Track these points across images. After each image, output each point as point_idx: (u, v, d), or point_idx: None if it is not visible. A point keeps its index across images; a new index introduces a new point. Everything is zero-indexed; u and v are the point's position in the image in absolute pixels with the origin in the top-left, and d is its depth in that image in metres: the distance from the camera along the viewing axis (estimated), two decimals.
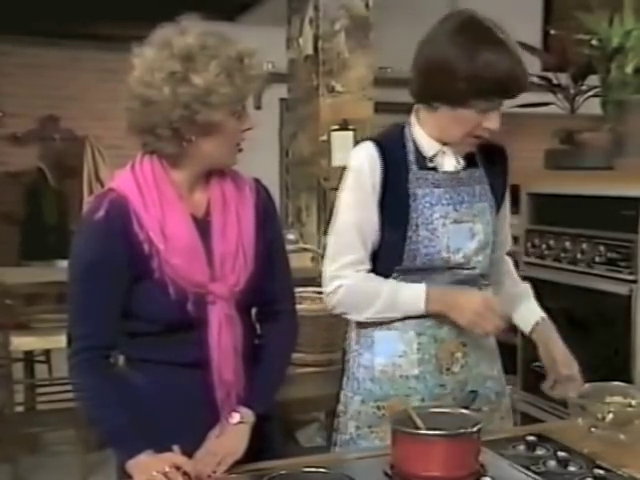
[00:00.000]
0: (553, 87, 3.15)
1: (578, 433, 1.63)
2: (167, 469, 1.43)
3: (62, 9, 5.81)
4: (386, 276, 1.76)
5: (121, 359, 1.66)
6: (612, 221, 2.91)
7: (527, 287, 1.97)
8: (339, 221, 1.78)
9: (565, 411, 1.83)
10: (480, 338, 1.79)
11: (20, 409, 4.05)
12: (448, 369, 1.77)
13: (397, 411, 1.55)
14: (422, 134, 1.77)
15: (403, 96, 5.82)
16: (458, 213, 1.76)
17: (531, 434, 1.60)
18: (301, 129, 4.50)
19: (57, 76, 7.17)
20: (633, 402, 1.64)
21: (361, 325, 1.83)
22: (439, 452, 1.37)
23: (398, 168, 1.74)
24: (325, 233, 4.21)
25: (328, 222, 4.52)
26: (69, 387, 3.42)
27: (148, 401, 1.59)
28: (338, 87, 4.25)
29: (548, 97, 3.15)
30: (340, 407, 1.85)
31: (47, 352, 4.34)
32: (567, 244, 2.92)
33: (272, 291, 1.69)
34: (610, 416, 1.60)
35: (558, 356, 1.82)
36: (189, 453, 1.51)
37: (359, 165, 1.75)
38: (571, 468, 1.47)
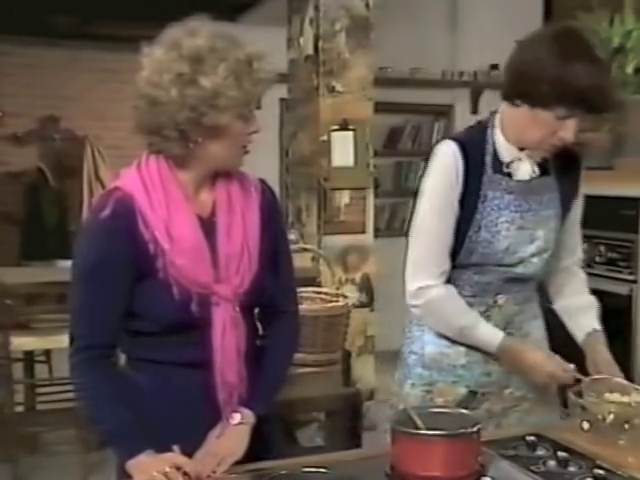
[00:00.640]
0: None
1: (578, 433, 1.63)
2: (167, 469, 1.43)
3: (62, 9, 5.81)
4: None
5: (123, 358, 1.66)
6: (612, 221, 2.91)
7: (591, 300, 1.98)
8: (423, 227, 1.84)
9: (565, 411, 1.83)
10: (526, 327, 1.89)
11: (20, 409, 4.04)
12: (495, 359, 1.84)
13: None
14: (502, 139, 1.82)
15: (403, 96, 5.83)
16: (523, 220, 1.82)
17: (531, 434, 1.60)
18: (301, 129, 4.50)
19: (57, 76, 7.18)
20: (633, 403, 1.64)
21: (414, 315, 1.92)
22: (439, 452, 1.37)
23: (476, 169, 1.79)
24: (325, 233, 4.24)
25: (328, 222, 4.52)
26: (69, 387, 3.44)
27: (149, 401, 1.59)
28: (338, 87, 4.25)
29: None
30: (395, 388, 1.97)
31: (47, 352, 4.34)
32: None
33: (275, 292, 1.69)
34: (611, 417, 1.59)
35: (600, 364, 1.84)
36: (189, 453, 1.51)
37: (445, 169, 1.79)
38: (571, 468, 1.47)
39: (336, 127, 4.23)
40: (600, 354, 1.87)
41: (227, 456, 1.53)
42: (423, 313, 1.86)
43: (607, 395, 1.66)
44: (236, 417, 1.60)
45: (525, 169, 1.81)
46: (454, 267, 1.83)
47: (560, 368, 1.75)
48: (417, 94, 5.99)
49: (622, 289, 3.35)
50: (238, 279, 1.59)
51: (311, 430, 3.63)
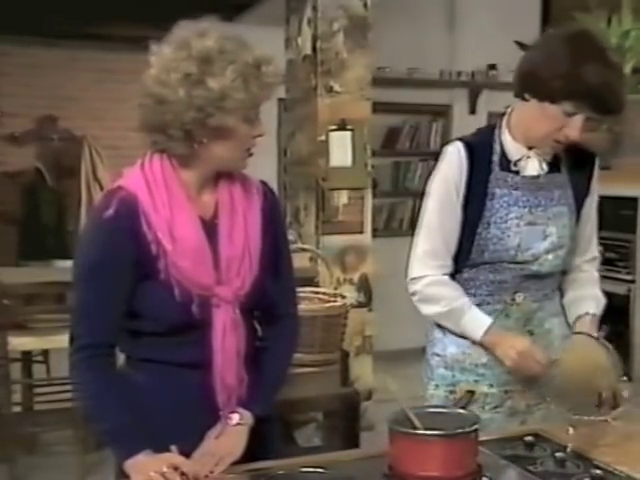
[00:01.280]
0: None
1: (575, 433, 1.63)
2: (165, 469, 1.43)
3: (60, 9, 5.80)
4: (457, 269, 1.88)
5: (122, 358, 1.66)
6: (610, 221, 2.92)
7: (597, 294, 1.96)
8: (425, 224, 1.90)
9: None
10: (547, 324, 1.91)
11: (18, 409, 4.03)
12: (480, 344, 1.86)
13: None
14: (509, 139, 1.86)
15: (401, 96, 5.84)
16: (533, 216, 1.84)
17: (529, 434, 1.60)
18: (299, 129, 4.50)
19: (55, 76, 7.17)
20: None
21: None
22: (437, 452, 1.37)
23: (482, 169, 1.84)
24: (323, 233, 4.24)
25: (326, 222, 4.52)
26: (67, 387, 3.44)
27: (148, 400, 1.59)
28: (336, 87, 4.25)
29: None
30: (420, 390, 1.99)
31: (45, 352, 4.33)
32: None
33: (276, 294, 1.69)
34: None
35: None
36: (187, 453, 1.51)
37: (447, 166, 1.85)
38: (568, 468, 1.47)
39: (334, 127, 4.23)
40: (585, 328, 1.86)
41: (225, 456, 1.53)
42: (417, 301, 1.90)
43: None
44: (234, 417, 1.60)
45: (533, 166, 1.85)
46: (469, 267, 1.87)
47: (526, 356, 1.77)
48: (415, 94, 5.99)
49: (620, 289, 3.36)
50: (239, 281, 1.59)
51: (309, 430, 3.63)
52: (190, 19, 1.58)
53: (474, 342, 1.87)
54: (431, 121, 6.23)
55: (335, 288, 3.90)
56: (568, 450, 1.53)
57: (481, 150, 1.85)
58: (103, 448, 2.78)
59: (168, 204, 1.54)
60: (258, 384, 1.64)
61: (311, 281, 3.72)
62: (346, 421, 2.69)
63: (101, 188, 6.52)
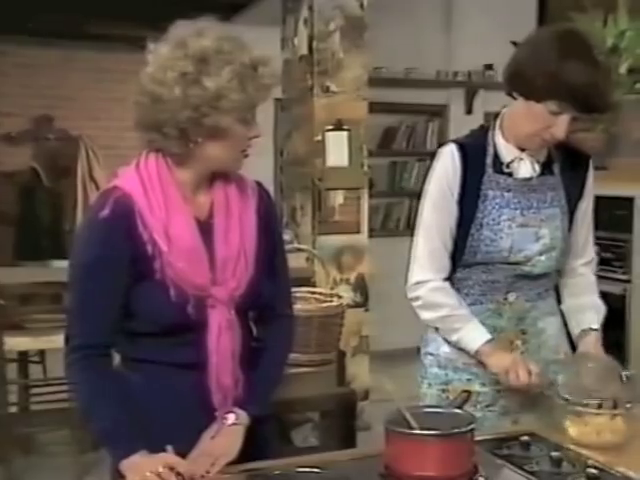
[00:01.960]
0: None
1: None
2: (161, 469, 1.43)
3: (57, 9, 5.79)
4: (450, 268, 1.88)
5: (117, 358, 1.66)
6: (606, 221, 2.92)
7: (596, 302, 1.97)
8: (423, 226, 1.90)
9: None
10: (541, 324, 1.92)
11: (14, 409, 4.03)
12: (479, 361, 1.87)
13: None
14: (502, 140, 1.86)
15: (398, 96, 5.83)
16: (525, 218, 1.85)
17: (525, 434, 1.60)
18: (296, 129, 4.50)
19: (51, 76, 7.16)
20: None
21: None
22: (433, 452, 1.37)
23: (475, 170, 1.84)
24: (319, 233, 4.24)
25: (322, 222, 4.51)
26: (63, 387, 3.43)
27: (143, 401, 1.59)
28: (333, 87, 4.25)
29: None
30: (415, 389, 2.01)
31: (41, 352, 4.33)
32: None
33: (271, 295, 1.69)
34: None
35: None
36: (183, 454, 1.50)
37: (442, 167, 1.86)
38: (564, 468, 1.48)
39: (330, 127, 4.24)
40: (591, 347, 1.87)
41: (221, 456, 1.52)
42: (418, 306, 1.90)
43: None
44: (230, 417, 1.59)
45: (526, 168, 1.85)
46: (462, 267, 1.88)
47: (520, 368, 1.76)
48: (412, 94, 5.99)
49: (616, 289, 3.36)
50: (234, 282, 1.59)
51: (305, 430, 3.63)
52: (187, 19, 1.58)
53: (468, 353, 1.87)
54: (428, 121, 6.23)
55: (331, 288, 3.91)
56: (564, 450, 1.53)
57: (474, 152, 1.85)
58: (99, 448, 2.78)
59: (163, 204, 1.54)
60: (254, 384, 1.64)
61: (307, 281, 3.72)
62: (343, 421, 2.69)
63: (97, 188, 6.51)
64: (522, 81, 1.75)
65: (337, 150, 4.25)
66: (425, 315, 1.91)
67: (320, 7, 4.22)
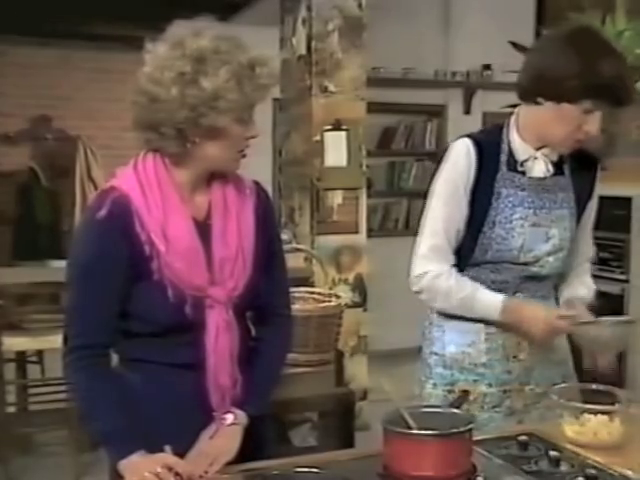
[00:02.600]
0: None
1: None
2: (159, 469, 1.43)
3: (55, 9, 5.79)
4: (459, 267, 1.87)
5: (115, 358, 1.66)
6: (604, 221, 2.92)
7: (587, 282, 2.00)
8: (430, 221, 1.89)
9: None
10: None
11: (12, 409, 4.03)
12: (515, 357, 1.89)
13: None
14: (518, 139, 1.85)
15: (396, 96, 5.83)
16: (537, 217, 1.85)
17: (523, 434, 1.60)
18: (294, 129, 4.50)
19: (49, 76, 7.16)
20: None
21: (434, 315, 1.96)
22: (431, 452, 1.37)
23: (490, 167, 1.83)
24: (318, 233, 4.24)
25: (321, 222, 4.51)
26: (61, 387, 3.43)
27: (142, 401, 1.58)
28: (331, 87, 4.25)
29: None
30: (415, 389, 2.01)
31: (39, 352, 4.33)
32: None
33: (269, 295, 1.69)
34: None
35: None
36: (181, 454, 1.51)
37: (456, 162, 1.84)
38: (562, 467, 1.47)
39: (329, 127, 4.24)
40: (575, 302, 1.90)
41: (219, 456, 1.52)
42: (425, 297, 1.90)
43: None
44: (229, 418, 1.59)
45: (540, 167, 1.85)
46: (472, 266, 1.87)
47: (556, 315, 1.78)
48: (410, 94, 5.99)
49: (614, 288, 3.36)
50: (232, 282, 1.59)
51: (304, 430, 3.63)
52: (184, 19, 1.58)
53: (495, 323, 1.86)
54: (426, 121, 6.23)
55: (330, 288, 3.90)
56: (562, 450, 1.53)
57: (490, 149, 1.85)
58: (98, 448, 2.77)
59: (161, 205, 1.53)
60: (252, 384, 1.64)
61: (306, 281, 3.72)
62: (341, 421, 2.69)
63: (95, 188, 6.50)
64: (550, 86, 1.74)
65: (335, 150, 4.25)
66: (435, 304, 1.91)
67: (318, 7, 4.22)
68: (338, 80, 4.26)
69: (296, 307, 2.33)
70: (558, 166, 1.88)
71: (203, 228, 1.58)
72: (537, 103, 1.78)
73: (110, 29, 6.60)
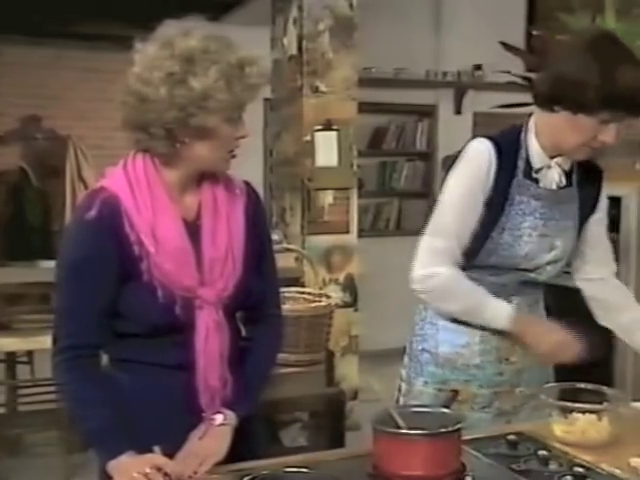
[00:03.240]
0: None
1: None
2: (148, 470, 1.42)
3: (45, 8, 5.77)
4: (461, 268, 1.84)
5: (104, 359, 1.66)
6: None
7: None
8: (441, 221, 1.83)
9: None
10: None
11: (2, 410, 4.01)
12: (507, 359, 1.88)
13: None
14: (535, 145, 1.82)
15: (387, 96, 5.83)
16: (546, 228, 1.83)
17: (512, 433, 1.61)
18: (285, 129, 4.50)
19: (39, 75, 7.12)
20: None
21: (428, 312, 1.94)
22: (420, 451, 1.37)
23: (507, 171, 1.80)
24: (309, 233, 4.24)
25: (312, 222, 4.51)
26: (51, 388, 3.41)
27: (131, 401, 1.58)
28: (322, 87, 4.25)
29: (531, 97, 3.16)
30: (404, 385, 1.98)
31: (29, 353, 4.31)
32: None
33: (259, 295, 1.69)
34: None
35: None
36: (171, 454, 1.50)
37: (475, 163, 1.79)
38: (551, 466, 1.48)
39: (320, 127, 4.24)
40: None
41: (209, 457, 1.52)
42: (429, 298, 1.87)
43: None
44: (218, 418, 1.59)
45: (552, 177, 1.83)
46: (472, 267, 1.84)
47: (568, 341, 1.77)
48: (401, 94, 6.00)
49: None
50: (222, 283, 1.58)
51: (294, 430, 3.63)
52: (175, 18, 1.58)
53: (501, 332, 1.84)
54: (417, 121, 6.24)
55: (320, 288, 3.90)
56: (551, 449, 1.54)
57: (509, 153, 1.81)
58: (87, 449, 2.77)
59: (151, 205, 1.53)
60: (242, 384, 1.63)
61: (297, 281, 3.72)
62: (331, 421, 2.69)
63: (86, 188, 6.47)
64: (568, 96, 1.70)
65: (326, 150, 4.25)
66: (442, 307, 1.87)
67: (309, 7, 4.22)
68: (329, 80, 4.26)
69: (287, 307, 2.34)
70: (568, 176, 1.86)
71: (193, 228, 1.58)
72: (553, 110, 1.75)
73: (101, 28, 6.58)
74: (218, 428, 1.58)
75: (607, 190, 1.97)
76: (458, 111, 6.24)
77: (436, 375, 1.92)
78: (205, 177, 1.62)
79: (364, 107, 4.58)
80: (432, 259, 1.82)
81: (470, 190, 1.79)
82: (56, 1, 5.58)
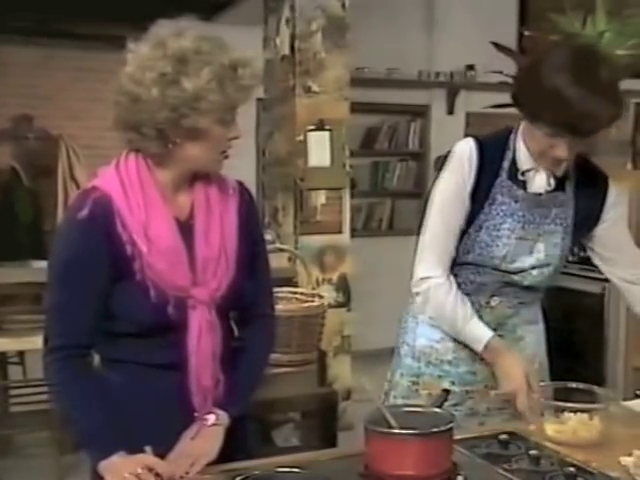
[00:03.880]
0: None
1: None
2: (139, 470, 1.42)
3: (36, 7, 5.75)
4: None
5: (96, 359, 1.65)
6: None
7: None
8: (432, 222, 1.85)
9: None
10: (520, 331, 1.92)
11: None
12: (482, 359, 1.86)
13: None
14: (523, 148, 1.82)
15: (380, 96, 5.85)
16: (524, 231, 1.83)
17: (503, 432, 1.61)
18: (277, 129, 4.50)
19: (31, 75, 7.10)
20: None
21: (412, 305, 1.96)
22: (412, 451, 1.38)
23: (490, 170, 1.81)
24: (301, 233, 4.24)
25: (304, 222, 4.51)
26: (43, 389, 3.40)
27: (123, 401, 1.58)
28: (314, 87, 4.26)
29: None
30: (388, 376, 2.03)
31: (21, 353, 4.30)
32: None
33: (252, 295, 1.69)
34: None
35: None
36: (162, 455, 1.50)
37: (459, 163, 1.81)
38: (542, 466, 1.48)
39: (312, 127, 4.24)
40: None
41: (200, 457, 1.52)
42: (422, 301, 1.88)
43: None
44: (210, 418, 1.59)
45: (540, 181, 1.82)
46: (454, 264, 1.86)
47: (524, 386, 1.73)
48: (393, 94, 6.00)
49: (595, 288, 3.39)
50: (215, 282, 1.58)
51: (287, 430, 3.63)
52: (168, 18, 1.58)
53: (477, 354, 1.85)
54: (409, 121, 6.25)
55: (313, 288, 3.91)
56: (542, 448, 1.55)
57: (493, 153, 1.82)
58: (79, 450, 2.76)
59: (143, 205, 1.53)
60: (234, 384, 1.63)
61: (289, 281, 3.72)
62: (324, 421, 2.69)
63: (78, 188, 6.46)
64: (520, 102, 1.74)
65: (319, 150, 4.25)
66: (430, 313, 1.89)
67: (302, 7, 4.23)
68: (321, 80, 4.26)
69: (279, 307, 2.34)
70: (560, 181, 1.84)
71: (185, 228, 1.58)
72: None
73: (93, 28, 6.56)
74: (210, 428, 1.58)
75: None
76: (450, 111, 6.25)
77: (412, 368, 1.95)
78: (198, 177, 1.62)
79: (356, 107, 4.58)
80: (426, 263, 1.85)
81: (455, 189, 1.82)
82: (48, 1, 5.56)
